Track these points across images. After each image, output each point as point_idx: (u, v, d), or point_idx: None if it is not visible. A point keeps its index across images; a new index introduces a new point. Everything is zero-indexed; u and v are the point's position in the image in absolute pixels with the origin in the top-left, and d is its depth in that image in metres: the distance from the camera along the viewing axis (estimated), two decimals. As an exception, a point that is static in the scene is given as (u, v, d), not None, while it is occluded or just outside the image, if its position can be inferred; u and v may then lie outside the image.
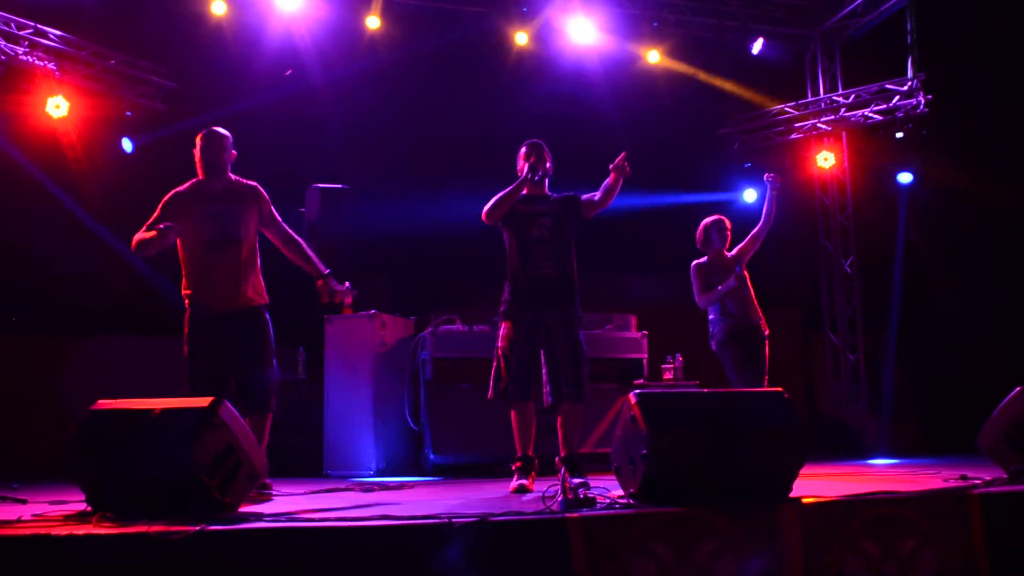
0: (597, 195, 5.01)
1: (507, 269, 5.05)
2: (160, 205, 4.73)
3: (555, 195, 5.12)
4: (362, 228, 7.67)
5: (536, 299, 4.91)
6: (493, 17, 9.15)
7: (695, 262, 6.20)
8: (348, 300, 5.03)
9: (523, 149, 5.12)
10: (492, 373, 4.95)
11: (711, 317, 6.19)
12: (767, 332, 6.15)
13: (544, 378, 4.98)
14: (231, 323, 4.67)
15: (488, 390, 4.95)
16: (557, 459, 4.82)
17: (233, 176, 4.84)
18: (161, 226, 4.52)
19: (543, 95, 9.06)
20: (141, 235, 4.63)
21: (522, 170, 5.04)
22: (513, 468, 4.90)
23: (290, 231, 4.95)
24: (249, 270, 4.76)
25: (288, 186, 7.54)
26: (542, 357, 4.95)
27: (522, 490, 4.68)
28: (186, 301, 4.73)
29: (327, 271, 4.96)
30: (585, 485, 4.02)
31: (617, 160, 4.87)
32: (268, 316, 4.82)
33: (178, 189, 4.78)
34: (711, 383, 6.84)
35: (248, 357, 4.70)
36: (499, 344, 4.96)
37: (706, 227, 6.23)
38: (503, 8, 9.07)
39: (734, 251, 6.25)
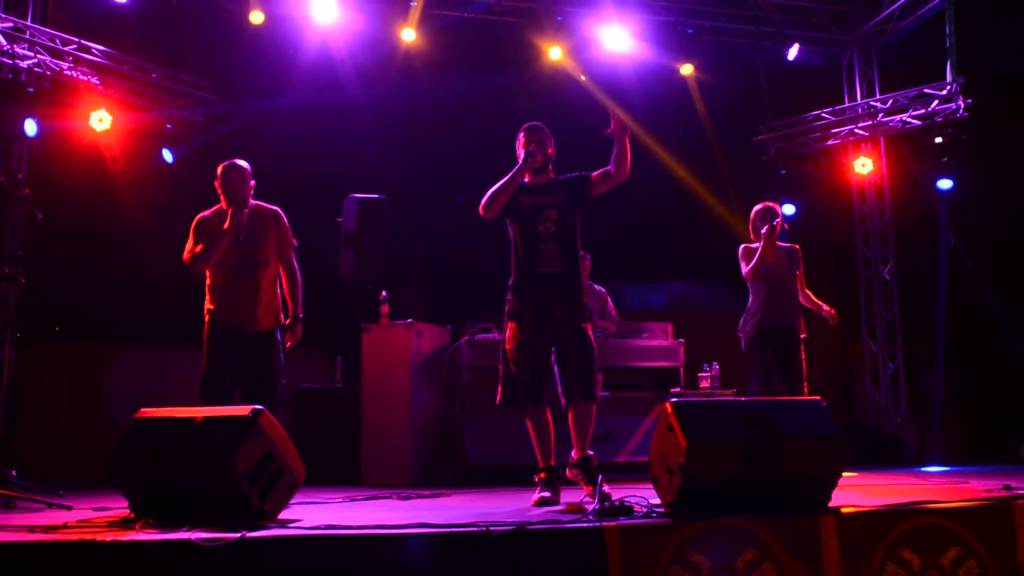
0: (611, 167, 4.61)
1: (511, 266, 4.75)
2: (192, 228, 4.94)
3: (560, 179, 4.78)
4: (398, 238, 7.72)
5: (543, 297, 4.62)
6: (528, 27, 9.18)
7: (743, 245, 6.25)
8: (287, 345, 5.10)
9: (521, 135, 4.79)
10: (500, 377, 4.66)
11: (741, 320, 6.16)
12: (803, 336, 6.08)
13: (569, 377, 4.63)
14: (248, 342, 4.88)
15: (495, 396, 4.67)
16: (572, 459, 4.56)
17: (254, 201, 5.02)
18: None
19: (578, 104, 9.07)
20: (195, 250, 4.84)
21: (520, 157, 4.72)
22: (536, 480, 4.59)
23: (295, 265, 5.12)
24: (269, 293, 4.97)
25: (325, 196, 7.63)
26: (552, 357, 4.62)
27: (545, 503, 4.40)
28: (207, 316, 4.92)
29: (301, 316, 5.10)
30: (606, 497, 3.77)
31: (612, 126, 4.55)
32: (280, 337, 5.00)
33: (204, 214, 4.98)
34: (748, 392, 6.80)
35: (259, 380, 4.90)
36: (505, 347, 4.67)
37: (752, 216, 6.28)
38: (538, 18, 9.09)
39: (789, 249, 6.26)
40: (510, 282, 4.74)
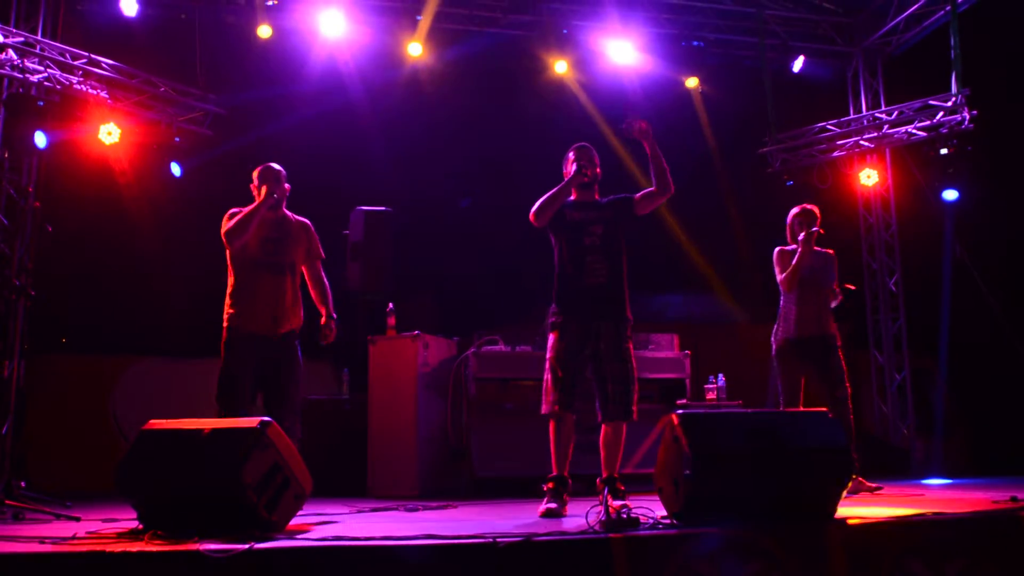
0: (653, 185, 4.76)
1: (555, 278, 4.84)
2: (227, 215, 4.95)
3: (605, 200, 4.93)
4: (405, 250, 7.75)
5: (587, 309, 4.70)
6: (533, 39, 9.22)
7: (779, 247, 6.10)
8: (324, 342, 5.21)
9: (570, 154, 4.93)
10: (544, 387, 4.71)
11: (774, 327, 6.08)
12: (839, 343, 5.99)
13: (594, 394, 4.75)
14: (270, 348, 4.89)
15: (540, 406, 4.72)
16: (599, 480, 4.63)
17: (287, 211, 5.10)
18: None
19: (584, 116, 9.12)
20: (235, 219, 4.85)
21: (569, 174, 4.86)
22: (544, 488, 4.62)
23: (323, 276, 5.24)
24: (292, 299, 5.01)
25: (332, 207, 7.66)
26: (590, 371, 4.71)
27: (551, 514, 4.42)
28: (225, 324, 4.91)
29: (335, 316, 5.23)
30: (625, 508, 3.91)
31: (634, 131, 4.66)
32: (298, 343, 5.04)
33: (239, 208, 4.97)
34: (754, 403, 6.80)
35: (284, 384, 4.91)
36: (548, 355, 4.73)
37: (790, 219, 6.15)
38: (543, 30, 9.13)
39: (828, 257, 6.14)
40: (554, 294, 4.82)
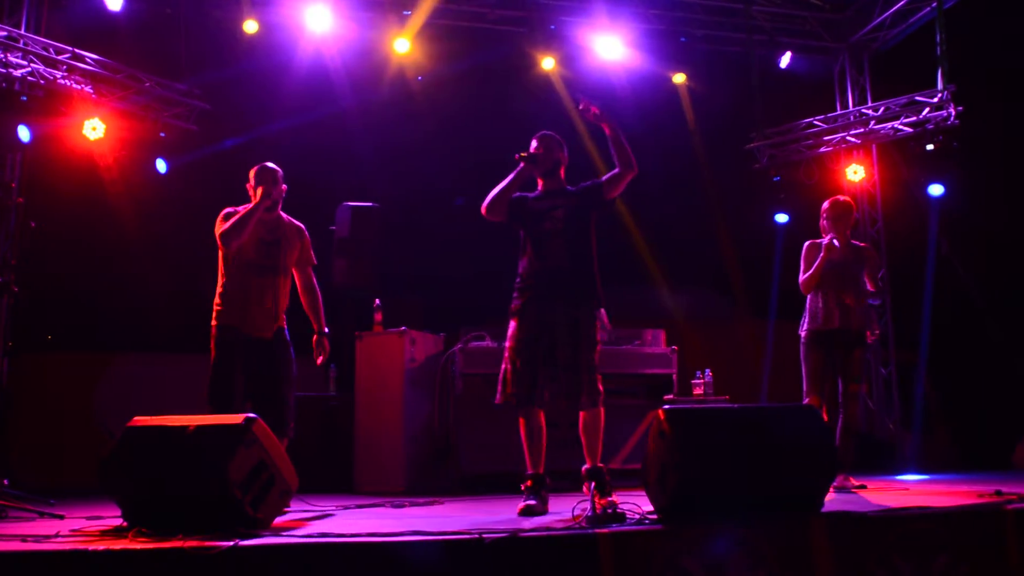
0: (615, 166, 4.63)
1: (518, 266, 4.72)
2: (220, 216, 4.87)
3: (574, 187, 4.79)
4: (392, 246, 7.73)
5: (547, 293, 4.54)
6: (521, 35, 9.21)
7: (809, 241, 5.99)
8: (319, 361, 5.15)
9: (533, 141, 4.81)
10: (499, 376, 4.59)
11: (802, 319, 5.99)
12: (869, 340, 5.92)
13: (558, 382, 4.54)
14: (261, 348, 4.84)
15: (497, 398, 4.58)
16: (584, 470, 4.53)
17: (282, 213, 5.04)
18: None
19: (571, 112, 9.10)
20: (225, 225, 4.77)
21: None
22: (522, 488, 4.49)
23: (315, 281, 5.17)
24: (283, 300, 4.97)
25: (318, 203, 7.63)
26: (552, 359, 4.51)
27: (530, 511, 4.30)
28: (215, 324, 4.86)
29: (327, 330, 5.17)
30: (611, 505, 3.81)
31: (589, 116, 4.58)
32: (288, 336, 4.99)
33: (234, 208, 4.92)
34: (741, 398, 6.82)
35: (277, 382, 4.86)
36: (507, 344, 4.59)
37: (825, 212, 5.98)
38: (530, 27, 9.12)
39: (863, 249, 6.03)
40: (516, 280, 4.70)
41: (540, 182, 4.81)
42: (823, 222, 6.00)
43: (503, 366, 4.59)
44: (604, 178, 4.71)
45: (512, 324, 4.62)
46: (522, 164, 4.70)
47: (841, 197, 6.10)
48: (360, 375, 7.04)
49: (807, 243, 6.00)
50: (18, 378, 7.58)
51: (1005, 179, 9.30)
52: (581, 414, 4.54)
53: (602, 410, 4.54)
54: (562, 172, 4.82)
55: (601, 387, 4.55)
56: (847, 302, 5.84)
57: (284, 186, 5.01)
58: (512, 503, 4.58)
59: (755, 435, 3.50)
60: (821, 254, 5.79)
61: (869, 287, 5.92)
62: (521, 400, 4.49)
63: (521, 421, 4.57)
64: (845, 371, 5.85)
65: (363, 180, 8.62)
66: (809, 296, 5.97)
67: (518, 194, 4.76)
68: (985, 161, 9.46)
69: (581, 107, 4.61)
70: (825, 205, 6.03)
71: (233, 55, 8.51)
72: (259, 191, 4.86)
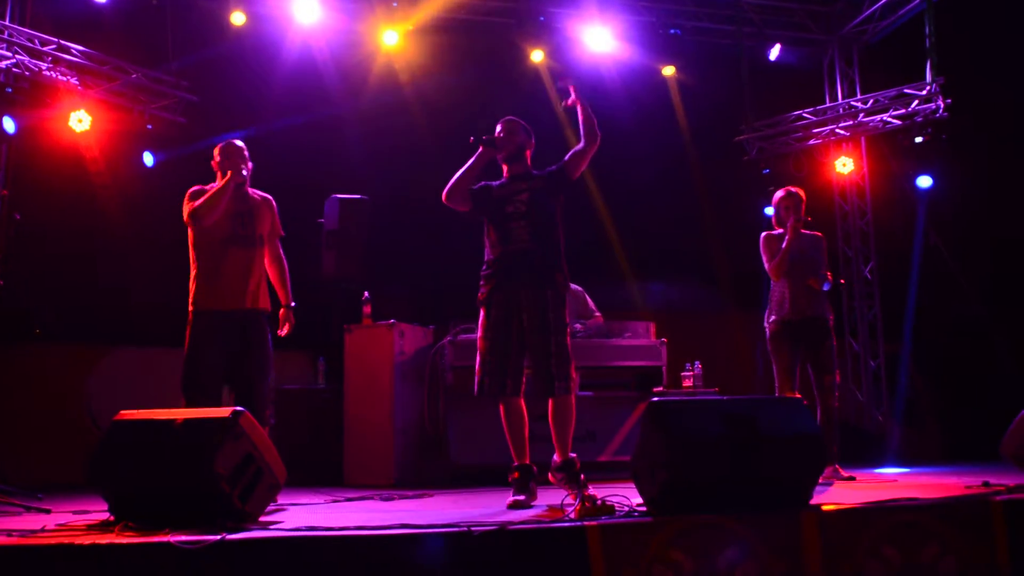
0: (580, 143, 4.59)
1: (484, 252, 4.63)
2: (188, 194, 4.84)
3: (539, 172, 4.70)
4: (381, 238, 7.70)
5: (512, 278, 4.44)
6: (510, 27, 9.17)
7: (765, 233, 6.04)
8: (282, 333, 5.10)
9: (498, 126, 4.72)
10: (475, 367, 4.51)
11: (766, 312, 6.04)
12: (832, 324, 5.94)
13: (531, 368, 4.48)
14: (237, 324, 4.77)
15: (475, 389, 4.52)
16: (553, 462, 4.41)
17: (250, 189, 5.01)
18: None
19: (558, 104, 9.07)
20: (195, 204, 4.74)
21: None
22: (510, 480, 4.43)
23: (282, 254, 5.14)
24: (259, 274, 4.92)
25: (307, 196, 7.60)
26: (523, 346, 4.46)
27: (519, 506, 4.24)
28: (191, 308, 4.81)
29: (293, 304, 5.14)
30: (590, 499, 3.69)
31: (568, 100, 4.57)
32: (267, 324, 4.95)
33: (201, 186, 4.89)
34: (730, 391, 6.82)
35: (251, 367, 4.80)
36: (478, 335, 4.53)
37: (776, 203, 6.08)
38: (520, 18, 9.09)
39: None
40: (482, 267, 4.62)
41: (505, 168, 4.72)
42: (780, 212, 6.05)
43: (476, 357, 4.53)
44: (567, 156, 4.65)
45: (481, 313, 4.54)
46: (481, 148, 4.61)
47: (793, 188, 6.14)
48: (349, 368, 7.02)
49: (764, 235, 6.05)
50: (4, 371, 7.54)
51: (994, 171, 9.31)
52: (550, 401, 4.40)
53: (573, 398, 4.42)
54: (528, 157, 4.73)
55: (575, 374, 4.46)
56: (813, 287, 5.89)
57: (251, 163, 4.98)
58: (502, 495, 4.57)
59: (744, 427, 3.49)
60: (788, 236, 5.85)
61: (824, 271, 5.99)
62: (495, 390, 4.41)
63: (501, 411, 4.49)
64: (817, 363, 5.88)
65: (351, 171, 8.59)
66: (775, 287, 6.02)
67: (483, 183, 4.69)
68: (973, 153, 9.48)
69: (560, 85, 4.61)
70: (780, 194, 6.09)
71: (221, 47, 8.45)
72: (228, 171, 4.81)
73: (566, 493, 4.35)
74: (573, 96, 4.61)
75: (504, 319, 4.45)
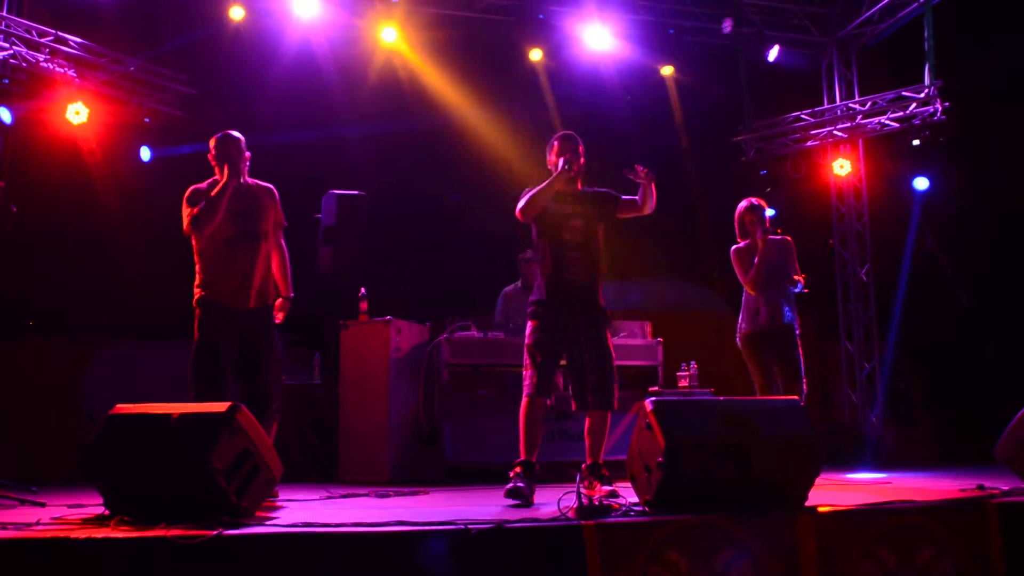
0: (638, 199, 4.83)
1: (540, 269, 4.84)
2: (186, 198, 4.78)
3: (588, 190, 4.91)
4: (378, 235, 7.69)
5: (566, 304, 4.72)
6: (510, 25, 9.16)
7: (734, 247, 6.07)
8: (278, 319, 5.07)
9: (555, 143, 4.88)
10: (526, 372, 4.71)
11: (739, 319, 6.06)
12: (799, 331, 5.98)
13: (569, 384, 4.84)
14: (245, 321, 4.73)
15: (521, 390, 4.70)
16: (584, 467, 4.66)
17: (250, 179, 4.94)
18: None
19: (559, 103, 9.08)
20: (194, 212, 4.67)
21: (554, 164, 4.81)
22: (511, 475, 4.51)
23: (284, 244, 5.07)
24: (264, 269, 4.86)
25: (305, 192, 7.58)
26: (568, 361, 4.77)
27: (516, 494, 4.35)
28: (197, 301, 4.75)
29: (292, 295, 5.09)
30: (614, 494, 3.99)
31: (639, 176, 4.73)
32: (274, 321, 4.93)
33: (198, 186, 4.83)
34: (726, 391, 6.83)
35: (260, 360, 4.76)
36: (526, 341, 4.75)
37: (739, 215, 6.10)
38: (520, 16, 9.08)
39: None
40: (537, 282, 4.84)
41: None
42: (745, 225, 6.05)
43: (525, 359, 4.73)
44: (624, 198, 4.88)
45: (531, 324, 4.76)
46: (561, 171, 4.74)
47: (755, 199, 6.14)
48: (345, 364, 7.01)
49: (733, 248, 6.07)
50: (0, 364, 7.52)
51: (991, 174, 9.33)
52: (590, 415, 4.71)
53: (609, 415, 4.73)
54: (579, 178, 4.92)
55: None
56: (786, 297, 5.95)
57: (248, 154, 4.91)
58: (497, 493, 4.56)
59: (740, 428, 3.50)
60: (760, 247, 5.87)
61: (796, 276, 6.00)
62: (541, 390, 4.65)
63: (526, 407, 4.65)
64: (785, 374, 5.93)
65: (350, 168, 8.58)
66: (748, 296, 6.02)
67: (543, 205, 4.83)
68: (971, 156, 9.49)
69: (633, 174, 4.73)
70: (743, 206, 6.11)
71: (220, 41, 8.43)
72: (226, 168, 4.71)
73: (563, 492, 4.35)
74: (644, 180, 4.77)
75: (557, 334, 4.71)
